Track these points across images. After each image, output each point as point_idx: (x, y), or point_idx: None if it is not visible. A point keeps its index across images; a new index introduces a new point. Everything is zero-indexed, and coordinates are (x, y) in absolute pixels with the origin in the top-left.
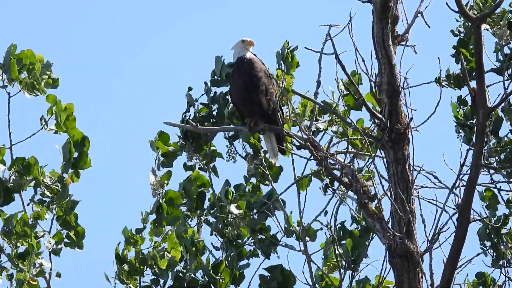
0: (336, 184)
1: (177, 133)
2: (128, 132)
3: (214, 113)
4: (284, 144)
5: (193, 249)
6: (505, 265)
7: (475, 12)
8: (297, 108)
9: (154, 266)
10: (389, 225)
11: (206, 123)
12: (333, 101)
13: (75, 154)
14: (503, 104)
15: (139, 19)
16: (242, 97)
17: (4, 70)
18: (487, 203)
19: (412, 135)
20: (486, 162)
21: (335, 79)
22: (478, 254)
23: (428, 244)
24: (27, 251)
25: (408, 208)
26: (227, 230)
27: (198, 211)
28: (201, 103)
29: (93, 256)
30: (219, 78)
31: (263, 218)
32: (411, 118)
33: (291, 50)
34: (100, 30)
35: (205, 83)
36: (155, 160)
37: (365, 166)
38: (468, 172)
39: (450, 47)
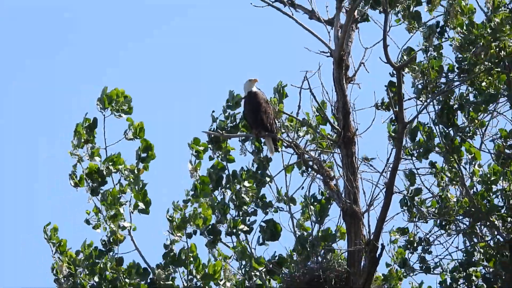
0: (309, 170)
1: (205, 139)
2: (177, 137)
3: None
4: (278, 144)
5: (223, 211)
6: (416, 221)
7: (400, 61)
8: (286, 122)
9: (193, 223)
10: (343, 195)
11: (223, 131)
12: (309, 119)
13: (145, 155)
14: (415, 121)
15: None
16: (252, 117)
17: (101, 102)
18: (410, 180)
19: (357, 139)
20: (406, 154)
21: (311, 105)
22: (397, 213)
23: (367, 207)
24: (115, 214)
25: (354, 185)
26: (237, 200)
27: (219, 188)
28: (220, 120)
29: (157, 217)
30: (230, 104)
31: (260, 190)
32: (357, 129)
33: (283, 87)
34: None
35: (223, 106)
36: (191, 154)
37: (328, 158)
38: (392, 162)
39: (381, 83)
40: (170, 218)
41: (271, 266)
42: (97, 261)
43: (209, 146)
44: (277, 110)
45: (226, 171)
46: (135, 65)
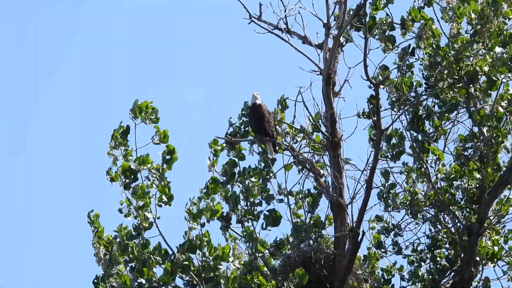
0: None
1: (222, 141)
2: (195, 139)
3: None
4: (277, 148)
5: (235, 202)
6: (390, 211)
7: (378, 78)
8: (286, 129)
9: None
10: (330, 190)
11: (238, 135)
12: (307, 129)
13: (169, 157)
14: (390, 128)
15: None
16: (256, 125)
17: (133, 112)
18: (385, 177)
19: (342, 144)
20: (381, 156)
21: (304, 116)
22: (375, 205)
23: (350, 200)
24: (144, 205)
25: (340, 181)
26: (246, 193)
27: (232, 181)
28: (235, 126)
29: (178, 209)
30: (245, 113)
31: (266, 184)
32: (342, 135)
33: (284, 100)
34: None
35: (238, 114)
36: (210, 152)
37: (319, 159)
38: (371, 162)
39: (363, 97)
40: (188, 211)
41: (272, 248)
42: (128, 242)
43: (225, 146)
44: (279, 119)
45: (238, 168)
46: (159, 75)
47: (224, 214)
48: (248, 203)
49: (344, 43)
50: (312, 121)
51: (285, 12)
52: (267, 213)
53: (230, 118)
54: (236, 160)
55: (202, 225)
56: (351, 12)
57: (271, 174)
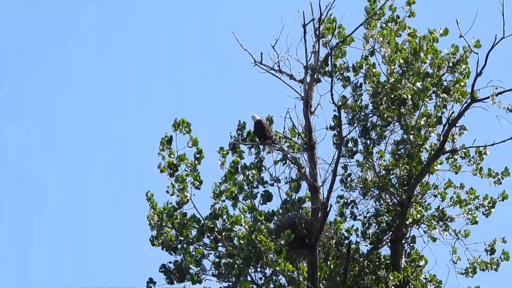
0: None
1: (228, 147)
2: (211, 145)
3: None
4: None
5: (243, 188)
6: (349, 191)
7: (339, 103)
8: (276, 136)
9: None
10: (308, 177)
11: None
12: (291, 135)
13: (198, 155)
14: (348, 136)
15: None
16: (261, 133)
17: (174, 127)
18: (344, 168)
19: (316, 146)
20: (342, 155)
21: (289, 128)
22: (338, 187)
23: (322, 183)
24: (183, 188)
25: (314, 171)
26: (247, 180)
27: (236, 174)
28: (234, 136)
29: (206, 191)
30: (240, 128)
31: (260, 174)
32: (316, 140)
33: (271, 117)
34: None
35: (236, 128)
36: (220, 155)
37: (300, 156)
38: (336, 159)
39: (330, 115)
40: (213, 191)
41: (267, 216)
42: (172, 213)
43: (230, 151)
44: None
45: (239, 164)
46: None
47: (234, 195)
48: (249, 186)
49: (317, 79)
50: (296, 130)
51: (278, 58)
52: (263, 193)
53: (230, 132)
54: (238, 159)
55: (223, 201)
56: (322, 59)
57: (264, 167)
